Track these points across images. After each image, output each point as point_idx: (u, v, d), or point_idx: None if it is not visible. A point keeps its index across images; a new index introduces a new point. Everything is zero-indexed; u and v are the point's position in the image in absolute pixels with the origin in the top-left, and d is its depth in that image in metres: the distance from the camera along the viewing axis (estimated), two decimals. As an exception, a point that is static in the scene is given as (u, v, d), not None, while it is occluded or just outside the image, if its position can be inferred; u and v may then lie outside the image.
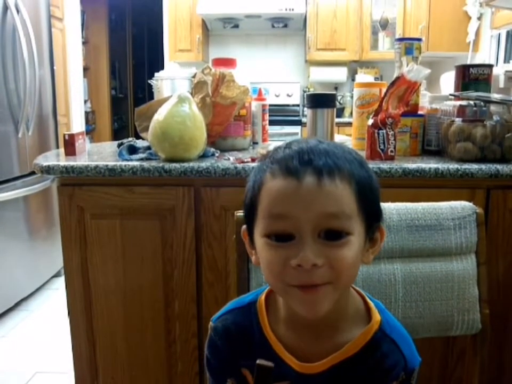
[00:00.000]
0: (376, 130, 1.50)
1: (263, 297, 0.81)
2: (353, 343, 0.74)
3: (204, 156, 1.58)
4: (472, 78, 1.64)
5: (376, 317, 0.76)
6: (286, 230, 0.67)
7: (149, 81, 2.28)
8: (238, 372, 0.80)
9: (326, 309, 0.69)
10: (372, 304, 0.78)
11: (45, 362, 2.35)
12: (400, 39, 1.69)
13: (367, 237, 0.72)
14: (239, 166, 1.44)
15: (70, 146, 1.64)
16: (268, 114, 1.90)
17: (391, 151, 1.51)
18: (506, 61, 3.57)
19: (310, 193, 0.66)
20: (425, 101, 1.72)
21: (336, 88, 5.00)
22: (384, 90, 1.56)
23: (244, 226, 0.77)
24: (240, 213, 0.97)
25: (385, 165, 1.43)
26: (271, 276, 0.70)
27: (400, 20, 4.47)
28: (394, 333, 0.76)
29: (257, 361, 0.70)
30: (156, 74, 2.26)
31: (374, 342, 0.74)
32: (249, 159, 1.49)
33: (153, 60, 7.29)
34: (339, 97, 4.86)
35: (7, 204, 2.80)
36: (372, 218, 0.72)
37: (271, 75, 5.00)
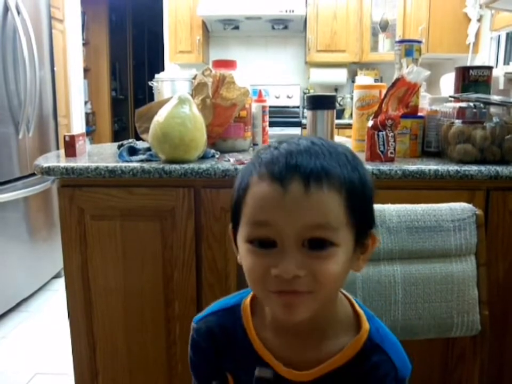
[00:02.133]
0: (376, 132, 1.50)
1: (248, 300, 0.78)
2: (343, 353, 0.72)
3: (204, 157, 1.58)
4: (472, 79, 1.64)
5: (366, 325, 0.74)
6: (269, 237, 0.64)
7: (149, 83, 2.29)
8: (222, 374, 0.79)
9: (304, 315, 0.67)
10: (361, 312, 0.76)
11: (45, 363, 2.35)
12: (400, 41, 1.70)
13: (357, 245, 0.69)
14: (239, 167, 1.44)
15: (70, 147, 1.64)
16: (268, 116, 1.90)
17: (391, 153, 1.51)
18: (506, 62, 3.57)
19: (295, 202, 0.62)
20: (425, 103, 1.72)
21: (336, 90, 5.00)
22: (384, 92, 1.56)
23: (230, 225, 0.74)
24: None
25: (385, 167, 1.43)
26: (252, 282, 0.68)
27: (400, 21, 4.47)
28: (385, 342, 0.74)
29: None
30: (156, 75, 2.27)
31: (364, 352, 0.72)
32: (249, 161, 1.48)
33: (153, 61, 7.30)
34: (339, 99, 4.86)
35: (8, 205, 2.80)
36: (363, 226, 0.69)
37: (271, 77, 5.01)
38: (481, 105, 1.51)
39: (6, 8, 2.77)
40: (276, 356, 0.73)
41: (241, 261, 0.71)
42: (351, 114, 2.17)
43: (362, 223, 0.69)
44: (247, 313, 0.77)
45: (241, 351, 0.76)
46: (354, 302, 0.78)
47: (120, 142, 1.76)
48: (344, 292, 0.79)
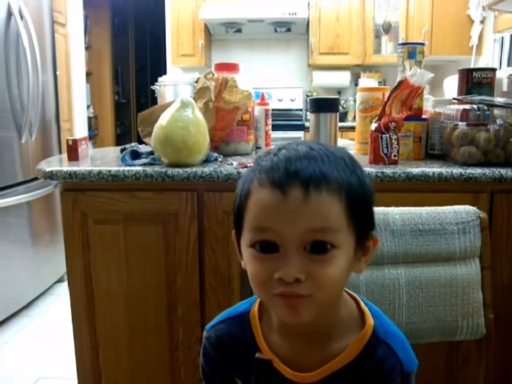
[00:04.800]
0: (379, 135, 1.49)
1: (256, 307, 0.80)
2: (348, 351, 0.73)
3: (206, 161, 1.58)
4: (475, 81, 1.64)
5: (370, 321, 0.75)
6: (271, 240, 0.66)
7: (152, 87, 2.28)
8: (232, 381, 0.80)
9: (308, 316, 0.68)
10: (366, 309, 0.77)
11: (48, 368, 2.35)
12: (403, 43, 1.70)
13: (358, 247, 0.71)
14: (242, 170, 1.44)
15: (73, 151, 1.64)
16: (270, 119, 1.90)
17: (395, 156, 1.50)
18: (509, 64, 3.56)
19: (295, 208, 0.64)
20: (428, 105, 1.72)
21: (339, 93, 5.00)
22: (387, 94, 1.55)
23: (234, 231, 0.76)
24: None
25: (388, 170, 1.43)
26: (256, 286, 0.70)
27: (403, 23, 4.46)
28: (389, 337, 0.75)
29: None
30: (158, 79, 2.27)
31: (369, 348, 0.73)
32: (252, 164, 1.48)
33: (156, 65, 7.30)
34: (342, 102, 4.85)
35: (10, 210, 2.80)
36: (364, 228, 0.71)
37: (273, 80, 5.01)
38: (485, 107, 1.51)
39: (9, 13, 2.78)
40: (283, 360, 0.75)
41: (245, 266, 0.72)
42: (354, 117, 2.17)
43: (363, 225, 0.70)
44: (255, 320, 0.79)
45: (251, 357, 0.76)
46: (360, 300, 0.78)
47: (123, 146, 1.76)
48: (350, 291, 0.80)
